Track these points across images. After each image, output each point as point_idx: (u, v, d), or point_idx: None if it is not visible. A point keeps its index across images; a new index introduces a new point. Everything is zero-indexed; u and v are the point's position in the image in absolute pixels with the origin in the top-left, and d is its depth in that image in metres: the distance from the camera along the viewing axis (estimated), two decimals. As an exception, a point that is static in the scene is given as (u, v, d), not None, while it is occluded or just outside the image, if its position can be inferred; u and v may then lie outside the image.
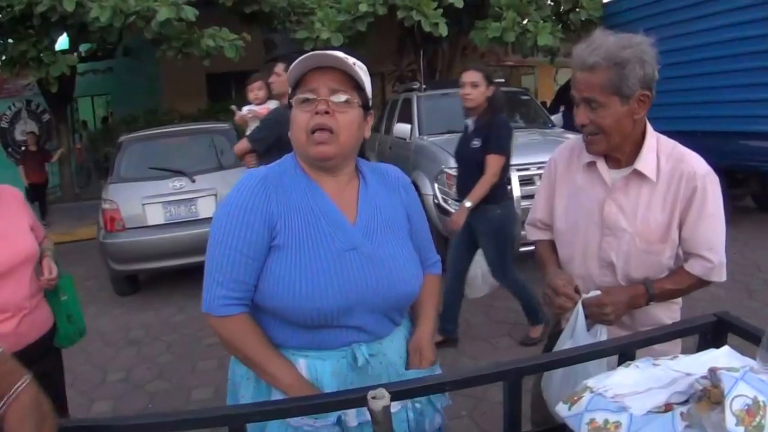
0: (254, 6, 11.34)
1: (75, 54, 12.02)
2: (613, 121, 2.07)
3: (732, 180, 9.45)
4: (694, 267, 2.18)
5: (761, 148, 8.63)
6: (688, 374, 1.31)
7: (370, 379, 1.82)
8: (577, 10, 12.22)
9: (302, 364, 1.82)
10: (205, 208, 7.21)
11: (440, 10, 11.30)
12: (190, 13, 9.73)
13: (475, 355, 4.98)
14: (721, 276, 2.18)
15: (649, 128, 2.19)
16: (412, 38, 14.42)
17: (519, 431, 1.59)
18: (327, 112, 1.73)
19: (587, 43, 2.04)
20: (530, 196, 6.84)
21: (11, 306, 2.65)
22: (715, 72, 9.10)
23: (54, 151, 13.83)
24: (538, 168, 7.08)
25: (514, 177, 6.92)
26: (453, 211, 7.04)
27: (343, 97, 1.75)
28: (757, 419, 1.10)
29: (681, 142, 2.22)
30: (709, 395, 1.17)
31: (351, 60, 1.76)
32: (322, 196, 1.84)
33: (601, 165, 2.21)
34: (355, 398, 1.46)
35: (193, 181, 7.20)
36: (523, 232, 6.73)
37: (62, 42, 12.00)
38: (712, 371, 1.19)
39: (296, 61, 1.73)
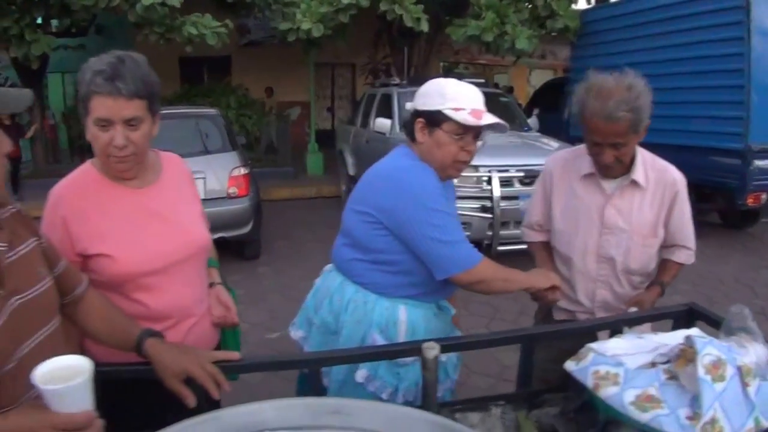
0: (235, -5, 11.65)
1: (49, 30, 12.15)
2: (631, 152, 2.59)
3: (699, 195, 9.74)
4: (680, 256, 2.85)
5: (728, 165, 9.09)
6: (665, 344, 1.80)
7: (445, 325, 2.60)
8: (555, 17, 12.69)
9: (403, 309, 2.42)
10: None
11: (421, 6, 11.68)
12: (176, 1, 10.04)
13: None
14: (693, 259, 2.88)
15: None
16: (389, 32, 14.77)
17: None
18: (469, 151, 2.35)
19: (614, 94, 2.43)
20: (510, 197, 7.37)
21: (176, 310, 2.21)
22: (686, 87, 9.52)
23: (27, 126, 13.91)
24: (517, 170, 7.60)
25: (495, 178, 7.39)
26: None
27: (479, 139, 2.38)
28: (720, 371, 1.57)
29: (658, 155, 2.76)
30: (685, 354, 1.65)
31: (502, 124, 2.34)
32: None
33: (599, 177, 2.72)
34: (411, 348, 1.92)
35: None
36: (508, 232, 7.30)
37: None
38: (688, 337, 1.68)
39: (470, 108, 2.28)
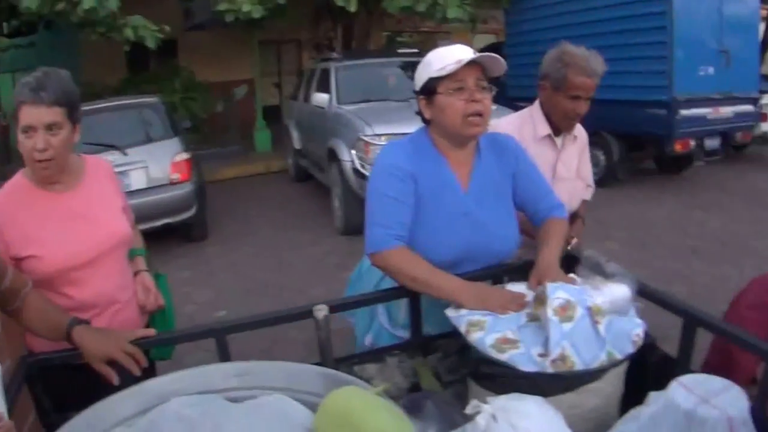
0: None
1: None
2: None
3: (632, 144, 10.49)
4: (587, 194, 3.32)
5: (657, 115, 9.63)
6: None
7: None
8: None
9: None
10: (137, 180, 7.56)
11: None
12: (114, 4, 10.03)
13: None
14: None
15: None
16: (329, 6, 14.76)
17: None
18: (476, 101, 2.17)
19: (589, 57, 2.92)
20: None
21: (102, 299, 2.41)
22: (615, 45, 9.81)
23: None
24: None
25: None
26: (369, 175, 7.62)
27: (486, 86, 2.21)
28: (568, 312, 1.75)
29: (590, 110, 3.06)
30: (540, 298, 1.83)
31: (492, 56, 2.17)
32: (445, 167, 2.31)
33: (553, 136, 3.14)
34: (303, 312, 2.05)
35: (126, 155, 7.50)
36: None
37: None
38: (542, 285, 1.86)
39: (452, 59, 2.15)
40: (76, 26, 10.93)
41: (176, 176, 7.89)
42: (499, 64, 2.19)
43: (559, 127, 3.10)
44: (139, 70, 16.14)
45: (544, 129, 3.10)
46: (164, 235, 8.00)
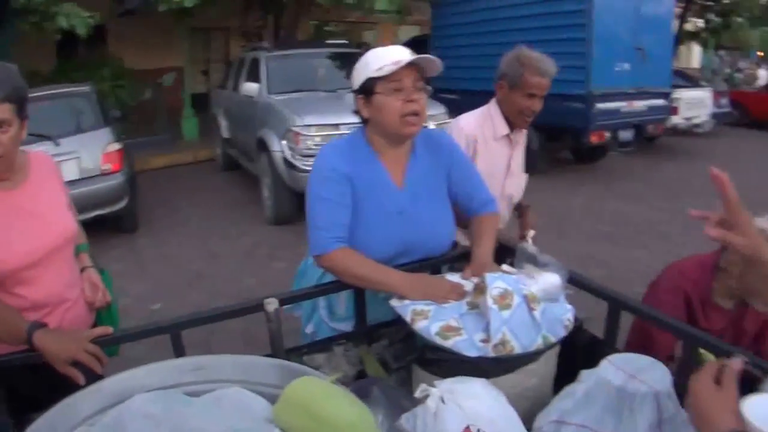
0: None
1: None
2: None
3: (549, 135, 10.62)
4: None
5: (574, 108, 9.92)
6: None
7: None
8: None
9: None
10: (69, 171, 7.19)
11: None
12: None
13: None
14: None
15: None
16: (259, -4, 14.66)
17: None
18: (412, 101, 2.22)
19: (543, 59, 3.12)
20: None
21: (52, 298, 2.36)
22: (536, 40, 9.93)
23: None
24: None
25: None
26: (300, 166, 7.55)
27: (422, 87, 2.26)
28: (507, 301, 1.87)
29: None
30: (480, 288, 1.95)
31: (428, 57, 2.22)
32: (379, 166, 2.36)
33: (511, 133, 3.27)
34: (255, 305, 2.11)
35: (58, 145, 7.20)
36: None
37: None
38: (480, 276, 1.98)
39: (390, 60, 2.18)
40: (11, 14, 10.70)
41: (108, 167, 7.68)
42: (435, 64, 2.24)
43: (514, 123, 3.23)
44: (68, 56, 15.66)
45: (504, 128, 3.22)
46: (95, 226, 7.71)
